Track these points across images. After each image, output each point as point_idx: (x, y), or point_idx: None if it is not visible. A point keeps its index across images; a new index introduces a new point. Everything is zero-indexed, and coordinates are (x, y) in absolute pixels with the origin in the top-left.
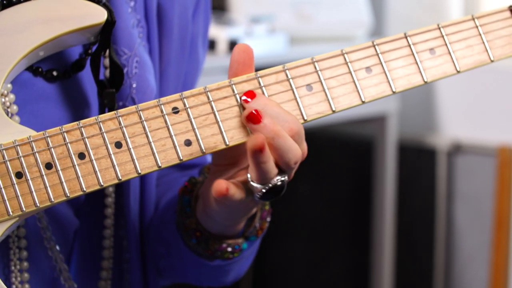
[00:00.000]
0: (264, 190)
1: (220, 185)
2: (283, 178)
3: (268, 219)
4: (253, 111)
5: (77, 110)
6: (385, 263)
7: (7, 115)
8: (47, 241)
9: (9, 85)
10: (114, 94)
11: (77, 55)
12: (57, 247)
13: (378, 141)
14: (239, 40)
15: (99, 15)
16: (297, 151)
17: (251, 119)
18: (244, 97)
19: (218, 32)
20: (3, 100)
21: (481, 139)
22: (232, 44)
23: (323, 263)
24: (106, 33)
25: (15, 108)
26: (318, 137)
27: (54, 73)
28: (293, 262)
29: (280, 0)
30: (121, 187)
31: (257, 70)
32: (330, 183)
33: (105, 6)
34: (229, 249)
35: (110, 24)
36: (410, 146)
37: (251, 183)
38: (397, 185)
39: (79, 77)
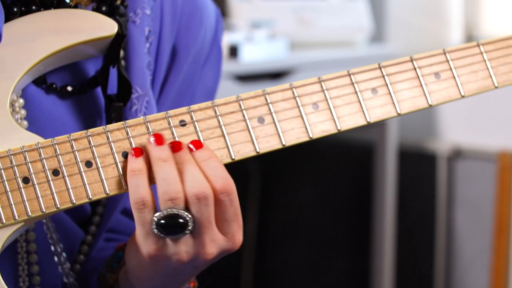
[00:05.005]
0: (161, 216)
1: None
2: (188, 216)
3: None
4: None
5: (87, 126)
6: (385, 269)
7: None
8: (57, 257)
9: (21, 100)
10: (121, 108)
11: (90, 71)
12: (68, 264)
13: (378, 147)
14: (240, 45)
15: (110, 27)
16: (200, 183)
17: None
18: (191, 146)
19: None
20: (16, 116)
21: (481, 144)
22: (233, 50)
23: (323, 268)
24: (116, 46)
25: (25, 123)
26: (318, 142)
27: (69, 89)
28: (293, 268)
29: (281, 5)
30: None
31: (258, 75)
32: (330, 189)
33: (115, 19)
34: None
35: (120, 37)
36: (410, 151)
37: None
38: (397, 190)
39: (90, 94)
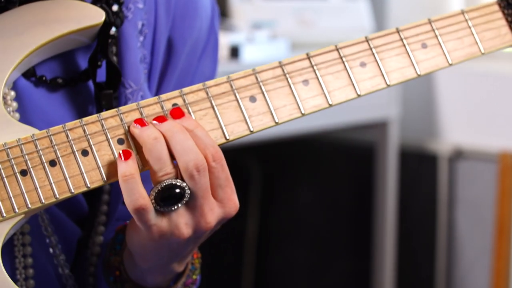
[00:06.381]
0: (159, 189)
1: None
2: (184, 185)
3: None
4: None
5: (79, 117)
6: (386, 269)
7: None
8: (52, 249)
9: (13, 93)
10: (111, 95)
11: (81, 62)
12: (63, 256)
13: (379, 147)
14: (241, 46)
15: (97, 16)
16: (197, 155)
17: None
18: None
19: (220, 38)
20: (8, 109)
21: (482, 145)
22: (234, 50)
23: (324, 269)
24: (103, 34)
25: (17, 115)
26: (319, 143)
27: (59, 81)
28: (294, 268)
29: (282, 6)
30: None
31: None
32: (331, 189)
33: (102, 7)
34: None
35: (108, 25)
36: (411, 152)
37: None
38: (398, 191)
39: (80, 85)
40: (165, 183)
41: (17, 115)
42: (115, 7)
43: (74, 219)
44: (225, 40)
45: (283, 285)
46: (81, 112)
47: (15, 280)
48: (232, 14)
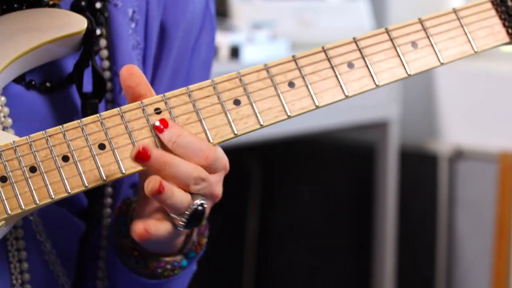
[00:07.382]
0: (184, 220)
1: (139, 229)
2: (201, 202)
3: (206, 233)
4: (140, 150)
5: (72, 120)
6: (387, 269)
7: (2, 128)
8: (47, 255)
9: (3, 98)
10: (97, 104)
11: (69, 67)
12: (58, 261)
13: (379, 147)
14: (241, 46)
15: (79, 24)
16: (196, 171)
17: (140, 158)
18: (157, 123)
19: (220, 39)
20: None
21: (483, 145)
22: (234, 51)
23: (324, 269)
24: (87, 42)
25: (9, 121)
26: (319, 143)
27: (48, 85)
28: (294, 268)
29: (282, 6)
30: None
31: None
32: (331, 189)
33: (85, 15)
34: (168, 266)
35: (91, 33)
36: (412, 152)
37: (171, 215)
38: (398, 191)
39: (71, 90)
40: (187, 212)
41: (9, 120)
42: (98, 4)
43: (75, 213)
44: (225, 40)
45: (283, 285)
46: (74, 114)
47: (11, 286)
48: (232, 14)
